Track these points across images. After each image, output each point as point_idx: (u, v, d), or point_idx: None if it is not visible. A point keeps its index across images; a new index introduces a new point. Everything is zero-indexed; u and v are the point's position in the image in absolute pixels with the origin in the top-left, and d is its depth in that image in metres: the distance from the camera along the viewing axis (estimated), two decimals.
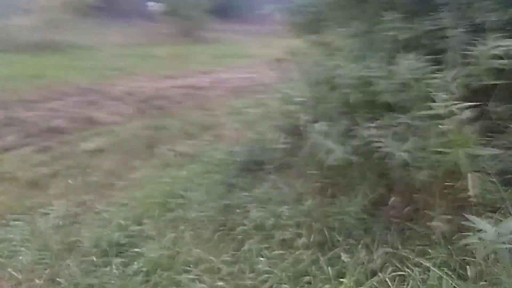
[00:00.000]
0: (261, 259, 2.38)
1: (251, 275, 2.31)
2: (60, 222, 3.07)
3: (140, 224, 2.94)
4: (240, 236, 2.61)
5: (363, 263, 2.22)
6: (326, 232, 2.44)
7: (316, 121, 2.56)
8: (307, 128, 2.60)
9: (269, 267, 2.31)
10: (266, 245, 2.48)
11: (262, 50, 10.82)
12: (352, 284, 2.11)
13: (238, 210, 2.84)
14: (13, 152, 4.64)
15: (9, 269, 2.53)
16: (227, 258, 2.45)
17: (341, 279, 2.14)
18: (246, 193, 3.05)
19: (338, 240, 2.39)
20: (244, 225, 2.67)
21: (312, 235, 2.44)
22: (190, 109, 6.62)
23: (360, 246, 2.31)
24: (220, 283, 2.26)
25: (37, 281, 2.44)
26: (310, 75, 3.05)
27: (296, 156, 3.26)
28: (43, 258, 2.64)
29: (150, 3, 21.87)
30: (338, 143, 2.39)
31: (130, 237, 2.79)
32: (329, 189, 2.74)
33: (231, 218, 2.78)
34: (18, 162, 4.33)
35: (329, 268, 2.23)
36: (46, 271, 2.51)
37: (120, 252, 2.64)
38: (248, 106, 5.21)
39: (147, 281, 2.35)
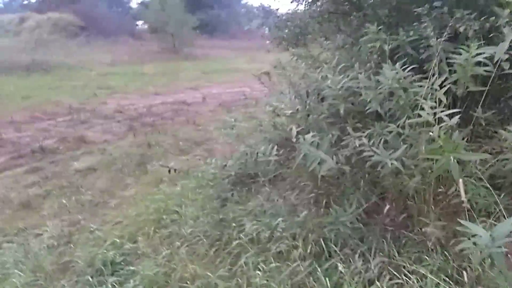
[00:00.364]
0: (258, 272, 2.36)
1: None
2: (54, 243, 3.04)
3: (134, 241, 2.92)
4: (236, 250, 2.60)
5: (360, 272, 2.22)
6: (322, 243, 2.44)
7: (307, 133, 2.58)
8: (298, 140, 2.62)
9: (266, 280, 2.30)
10: (263, 258, 2.47)
11: (250, 65, 10.91)
12: None
13: (233, 224, 2.82)
14: (4, 173, 4.60)
15: None
16: (223, 273, 2.43)
17: None
18: (241, 207, 3.05)
19: (335, 251, 2.38)
20: (240, 239, 2.66)
21: (308, 247, 2.44)
22: (182, 125, 6.62)
23: (356, 255, 2.31)
24: None
25: None
26: (299, 88, 3.10)
27: (289, 168, 3.28)
28: (37, 280, 2.61)
29: (139, 22, 22.08)
30: (330, 153, 2.41)
31: (125, 255, 2.77)
32: (323, 200, 2.74)
33: (227, 233, 2.77)
34: (10, 183, 4.29)
35: (327, 279, 2.22)
36: None
37: (115, 271, 2.62)
38: (239, 120, 5.24)
39: None
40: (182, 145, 5.43)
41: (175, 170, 4.26)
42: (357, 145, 2.31)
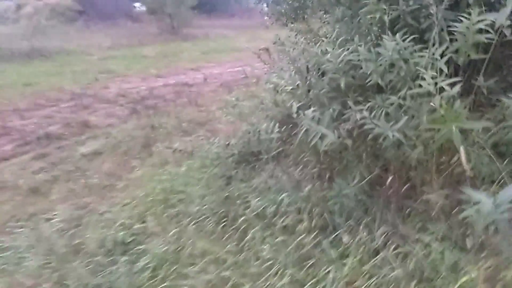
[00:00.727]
0: (265, 246, 2.42)
1: (256, 263, 2.35)
2: (64, 226, 3.10)
3: (143, 222, 2.98)
4: (242, 226, 2.65)
5: (365, 243, 2.27)
6: (327, 216, 2.48)
7: (307, 108, 2.59)
8: (300, 116, 2.63)
9: (273, 253, 2.35)
10: (269, 233, 2.52)
11: (251, 43, 10.81)
12: (355, 264, 2.16)
13: (238, 201, 2.87)
14: (12, 160, 4.65)
15: (17, 276, 2.57)
16: (231, 248, 2.49)
17: (345, 260, 2.19)
18: (245, 184, 3.09)
19: (339, 223, 2.43)
20: (246, 215, 2.71)
21: (313, 220, 2.48)
22: (184, 106, 6.63)
23: (361, 227, 2.36)
24: (226, 273, 2.31)
25: (45, 285, 2.48)
26: (299, 63, 3.08)
27: (291, 144, 3.30)
28: (50, 263, 2.67)
29: (137, 4, 21.78)
30: (331, 128, 2.43)
31: (134, 235, 2.83)
32: (327, 174, 2.77)
33: (233, 209, 2.82)
34: (18, 170, 4.34)
35: (332, 250, 2.28)
36: (54, 275, 2.54)
37: (126, 251, 2.68)
38: (241, 99, 5.23)
39: (155, 276, 2.40)
40: (185, 126, 5.45)
41: (179, 151, 4.30)
42: (359, 119, 2.32)
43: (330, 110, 2.49)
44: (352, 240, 2.28)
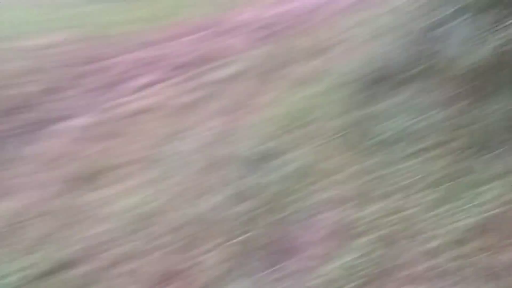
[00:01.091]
0: (392, 170, 2.36)
1: (382, 185, 2.32)
2: (202, 144, 3.40)
3: (272, 141, 3.11)
4: (371, 149, 2.61)
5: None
6: (469, 140, 2.30)
7: (451, 22, 2.32)
8: (439, 31, 2.37)
9: (403, 177, 2.28)
10: (399, 156, 2.44)
11: None
12: (503, 190, 1.98)
13: (367, 124, 2.81)
14: (154, 87, 5.16)
15: (164, 185, 2.93)
16: (358, 170, 2.48)
17: (488, 186, 2.02)
18: (374, 107, 2.97)
19: (484, 147, 2.23)
20: (375, 138, 2.65)
21: (453, 144, 2.32)
22: (309, 31, 6.47)
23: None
24: (348, 194, 2.33)
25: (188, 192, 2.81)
26: None
27: (425, 65, 3.03)
28: (191, 174, 3.00)
29: None
30: (478, 43, 2.17)
31: (264, 152, 2.97)
32: (469, 96, 2.50)
33: (362, 132, 2.78)
34: (160, 94, 4.82)
35: (473, 175, 2.12)
36: (190, 188, 2.85)
37: (257, 167, 2.84)
38: (368, 20, 4.91)
39: (283, 191, 2.53)
40: (311, 51, 5.32)
41: (306, 75, 4.30)
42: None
43: (478, 23, 2.20)
44: (500, 165, 2.08)
